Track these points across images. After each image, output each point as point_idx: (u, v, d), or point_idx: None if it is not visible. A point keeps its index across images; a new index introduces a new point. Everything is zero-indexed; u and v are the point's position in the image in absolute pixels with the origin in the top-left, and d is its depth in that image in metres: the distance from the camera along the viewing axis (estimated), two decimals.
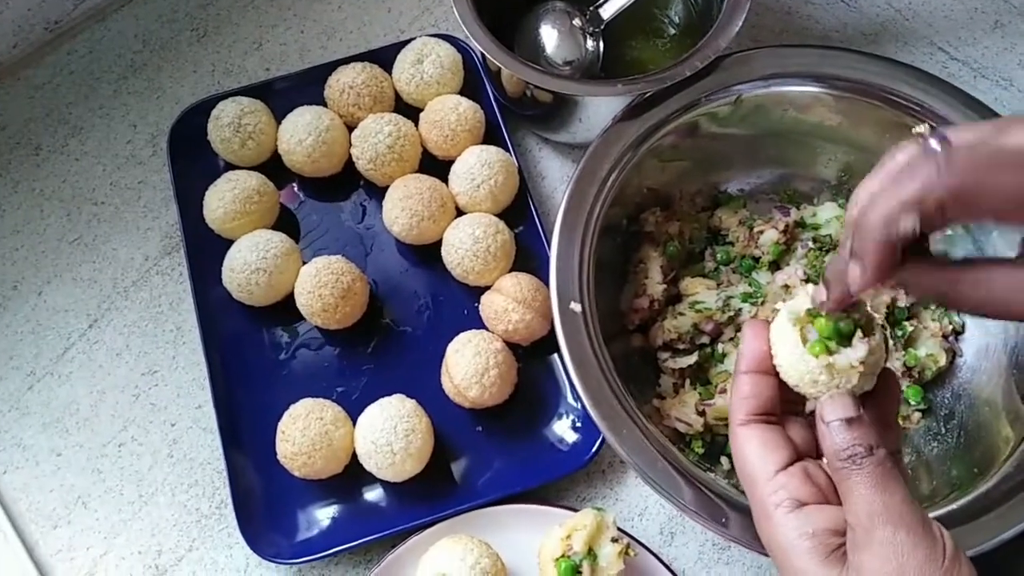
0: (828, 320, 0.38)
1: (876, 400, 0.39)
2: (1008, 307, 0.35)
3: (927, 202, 0.33)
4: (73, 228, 0.69)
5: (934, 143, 0.33)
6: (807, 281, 0.59)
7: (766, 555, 0.48)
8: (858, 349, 0.37)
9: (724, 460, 0.57)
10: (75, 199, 0.70)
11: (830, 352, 0.37)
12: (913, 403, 0.58)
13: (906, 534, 0.34)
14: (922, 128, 0.38)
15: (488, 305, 0.61)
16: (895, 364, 0.58)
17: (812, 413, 0.40)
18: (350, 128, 0.68)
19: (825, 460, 0.38)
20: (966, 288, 0.35)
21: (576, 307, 0.54)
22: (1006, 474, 0.50)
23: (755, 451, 0.38)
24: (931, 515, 0.38)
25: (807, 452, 0.39)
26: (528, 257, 0.65)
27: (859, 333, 0.38)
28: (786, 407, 0.41)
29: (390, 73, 0.70)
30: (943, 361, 0.58)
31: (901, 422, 0.58)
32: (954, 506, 0.49)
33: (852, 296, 0.37)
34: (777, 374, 0.39)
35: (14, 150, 0.72)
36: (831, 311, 0.38)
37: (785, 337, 0.39)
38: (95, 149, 0.72)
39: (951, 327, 0.60)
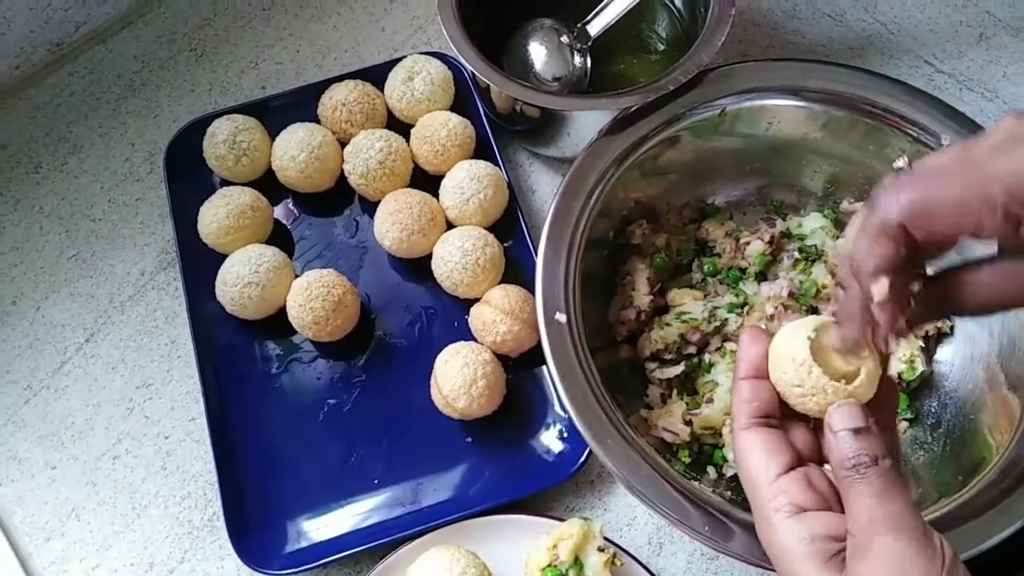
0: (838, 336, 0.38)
1: (874, 406, 0.38)
2: (1003, 300, 0.36)
3: (890, 229, 0.33)
4: (72, 244, 0.71)
5: (902, 171, 0.34)
6: (791, 295, 0.60)
7: (754, 565, 0.48)
8: (867, 363, 0.37)
9: (711, 470, 0.57)
10: (74, 216, 0.72)
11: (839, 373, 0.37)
12: (899, 412, 0.58)
13: (907, 541, 0.34)
14: (900, 162, 0.38)
15: (477, 317, 0.62)
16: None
17: (820, 421, 0.40)
18: (343, 144, 0.69)
19: (830, 467, 0.38)
20: (959, 295, 0.36)
21: (561, 317, 0.54)
22: (991, 480, 0.50)
23: (758, 455, 0.38)
24: None
25: (810, 457, 0.39)
26: (518, 270, 0.66)
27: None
28: (788, 412, 0.40)
29: (382, 90, 0.72)
30: (920, 365, 0.58)
31: None
32: (938, 513, 0.49)
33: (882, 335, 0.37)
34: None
35: (15, 168, 0.74)
36: (853, 346, 0.38)
37: (785, 355, 0.38)
38: (94, 167, 0.74)
39: (934, 329, 0.60)
